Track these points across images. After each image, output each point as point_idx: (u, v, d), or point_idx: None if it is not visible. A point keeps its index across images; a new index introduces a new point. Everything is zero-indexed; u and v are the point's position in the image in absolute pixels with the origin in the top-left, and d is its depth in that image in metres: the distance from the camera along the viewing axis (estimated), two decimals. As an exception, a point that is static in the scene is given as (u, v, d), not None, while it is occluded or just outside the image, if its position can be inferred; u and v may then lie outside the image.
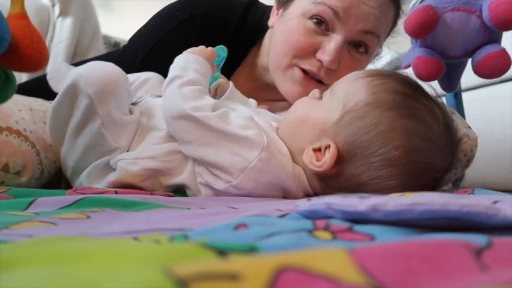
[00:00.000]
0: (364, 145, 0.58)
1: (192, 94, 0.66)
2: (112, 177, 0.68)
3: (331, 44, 0.77)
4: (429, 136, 0.58)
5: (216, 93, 0.81)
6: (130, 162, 0.67)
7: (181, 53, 0.75)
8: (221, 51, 0.81)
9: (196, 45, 0.77)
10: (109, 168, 0.69)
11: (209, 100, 0.67)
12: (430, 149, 0.58)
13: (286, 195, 0.65)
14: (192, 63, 0.72)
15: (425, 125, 0.58)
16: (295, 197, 0.64)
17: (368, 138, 0.58)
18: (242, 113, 0.67)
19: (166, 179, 0.68)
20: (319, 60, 0.79)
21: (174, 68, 0.71)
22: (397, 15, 0.85)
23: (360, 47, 0.80)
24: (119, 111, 0.69)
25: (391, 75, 0.63)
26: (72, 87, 0.66)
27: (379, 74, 0.63)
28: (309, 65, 0.80)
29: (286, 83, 0.83)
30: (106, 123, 0.67)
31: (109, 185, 0.68)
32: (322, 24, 0.78)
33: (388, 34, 0.87)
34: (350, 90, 0.62)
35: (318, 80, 0.81)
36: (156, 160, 0.67)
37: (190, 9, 0.96)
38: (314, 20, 0.78)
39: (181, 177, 0.68)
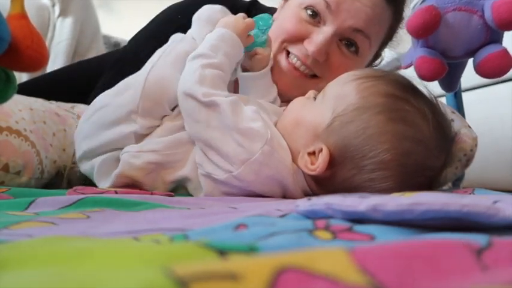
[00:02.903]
0: (354, 149, 0.59)
1: (211, 79, 0.67)
2: (116, 170, 0.68)
3: (320, 35, 0.78)
4: (419, 138, 0.59)
5: (253, 56, 0.79)
6: (133, 155, 0.67)
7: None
8: (263, 21, 0.80)
9: None
10: (118, 162, 0.69)
11: (224, 90, 0.68)
12: (420, 150, 0.59)
13: (284, 192, 0.66)
14: (225, 43, 0.72)
15: (415, 127, 0.59)
16: (293, 195, 0.65)
17: (358, 143, 0.58)
18: (249, 105, 0.68)
19: (169, 173, 0.68)
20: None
21: (206, 43, 0.71)
22: (395, 21, 0.84)
23: (350, 46, 0.80)
24: (152, 127, 0.71)
25: (382, 76, 0.63)
26: (133, 84, 0.70)
27: (369, 75, 0.64)
28: (296, 51, 0.81)
29: (275, 73, 0.83)
30: (139, 131, 0.69)
31: (114, 179, 0.68)
32: (316, 16, 0.79)
33: (386, 41, 0.87)
34: (340, 94, 0.63)
35: (306, 73, 0.81)
36: (159, 154, 0.68)
37: (192, 12, 0.96)
38: (308, 12, 0.79)
39: (183, 170, 0.68)
